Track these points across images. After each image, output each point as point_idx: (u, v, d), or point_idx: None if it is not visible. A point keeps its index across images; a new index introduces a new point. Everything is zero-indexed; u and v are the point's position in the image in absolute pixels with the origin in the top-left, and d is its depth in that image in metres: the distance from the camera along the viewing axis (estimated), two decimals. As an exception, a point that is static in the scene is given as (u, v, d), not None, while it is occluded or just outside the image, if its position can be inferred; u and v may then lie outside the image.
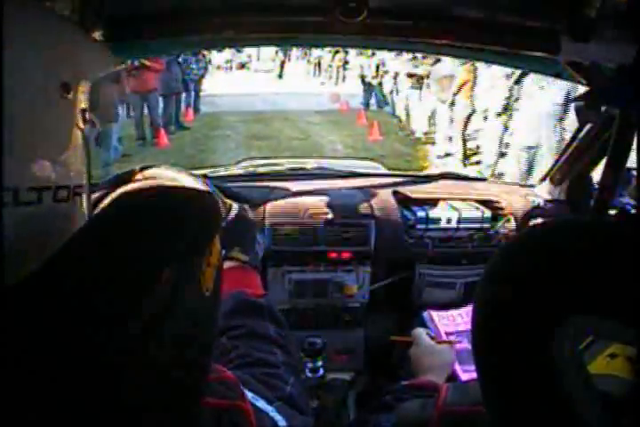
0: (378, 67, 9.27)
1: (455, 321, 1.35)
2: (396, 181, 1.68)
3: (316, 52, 15.57)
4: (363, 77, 10.01)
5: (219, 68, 16.82)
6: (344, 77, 14.05)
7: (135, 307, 0.30)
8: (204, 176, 1.40)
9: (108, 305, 0.29)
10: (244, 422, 0.44)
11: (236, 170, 1.91)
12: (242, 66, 18.99)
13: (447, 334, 1.29)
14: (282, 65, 16.64)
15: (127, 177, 0.91)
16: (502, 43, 0.92)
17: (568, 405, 0.32)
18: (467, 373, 1.14)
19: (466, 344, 1.16)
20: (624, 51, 0.77)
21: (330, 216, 1.40)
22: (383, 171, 2.14)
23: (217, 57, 16.78)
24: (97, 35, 0.81)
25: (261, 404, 0.49)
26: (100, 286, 0.30)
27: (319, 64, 15.86)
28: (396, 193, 1.54)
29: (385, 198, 1.50)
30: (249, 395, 0.48)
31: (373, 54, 9.36)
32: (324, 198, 1.46)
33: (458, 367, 1.11)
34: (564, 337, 0.32)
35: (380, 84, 9.44)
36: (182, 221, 0.36)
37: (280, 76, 16.17)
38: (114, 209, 0.37)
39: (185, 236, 0.35)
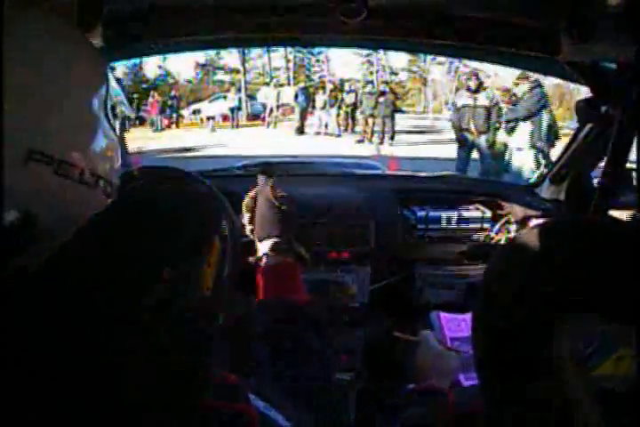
0: (490, 110, 4.77)
1: (460, 326, 1.34)
2: (397, 181, 1.68)
3: (351, 96, 10.86)
4: (462, 132, 4.99)
5: (225, 119, 13.18)
6: (393, 134, 9.51)
7: (135, 307, 0.30)
8: (203, 176, 1.40)
9: (108, 305, 0.29)
10: (240, 417, 0.44)
11: (236, 171, 1.91)
12: (255, 117, 14.01)
13: (452, 339, 1.29)
14: (303, 115, 11.35)
15: (127, 178, 0.91)
16: (502, 43, 0.92)
17: (568, 404, 0.32)
18: (469, 380, 1.13)
19: (470, 353, 1.14)
20: (624, 51, 0.77)
21: (330, 216, 1.40)
22: (384, 171, 2.14)
23: (216, 105, 13.27)
24: (96, 35, 0.81)
25: (273, 413, 0.49)
26: (100, 286, 0.30)
27: (353, 113, 10.96)
28: (396, 193, 1.54)
29: (385, 198, 1.50)
30: (260, 404, 0.48)
31: (479, 84, 4.89)
32: (325, 199, 1.46)
33: (462, 376, 1.11)
34: (563, 337, 0.32)
35: (493, 144, 4.85)
36: (182, 220, 0.36)
37: (300, 130, 11.23)
38: (114, 209, 0.37)
39: (185, 235, 0.35)
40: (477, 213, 1.51)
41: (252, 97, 14.81)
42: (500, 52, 1.02)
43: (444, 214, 1.49)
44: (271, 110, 12.91)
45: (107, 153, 0.42)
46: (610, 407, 0.31)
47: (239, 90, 13.86)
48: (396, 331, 1.20)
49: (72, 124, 0.38)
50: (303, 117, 11.49)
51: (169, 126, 13.12)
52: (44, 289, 0.30)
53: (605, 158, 1.17)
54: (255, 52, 17.31)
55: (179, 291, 0.32)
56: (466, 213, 1.50)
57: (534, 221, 1.50)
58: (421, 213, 1.49)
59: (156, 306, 0.30)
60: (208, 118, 13.46)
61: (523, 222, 1.51)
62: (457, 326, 1.33)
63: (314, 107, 11.50)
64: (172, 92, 13.49)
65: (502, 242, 1.50)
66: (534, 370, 0.33)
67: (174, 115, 13.09)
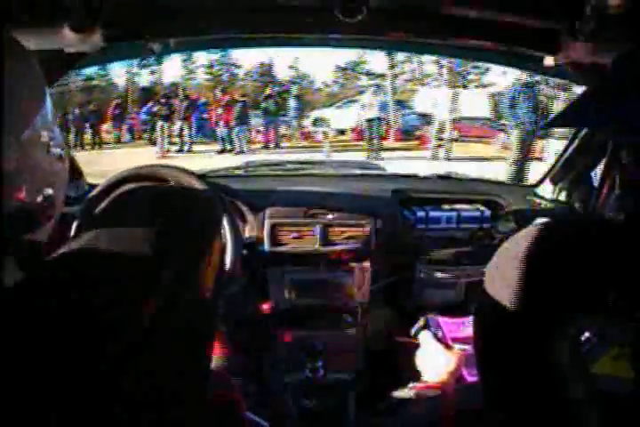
0: None
1: (460, 328, 1.34)
2: (397, 181, 1.68)
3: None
4: None
5: (359, 135, 8.00)
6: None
7: (136, 308, 0.30)
8: (204, 176, 1.40)
9: (108, 307, 0.29)
10: (238, 415, 0.44)
11: (236, 171, 1.91)
12: (406, 135, 8.42)
13: (453, 339, 1.29)
14: (523, 146, 5.01)
15: (128, 177, 0.91)
16: (502, 43, 0.92)
17: (569, 405, 0.32)
18: (473, 376, 1.14)
19: (472, 350, 1.14)
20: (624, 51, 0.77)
21: (330, 216, 1.40)
22: (384, 171, 2.14)
23: (349, 113, 8.22)
24: (96, 35, 0.81)
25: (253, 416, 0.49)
26: (100, 287, 0.30)
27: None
28: (396, 193, 1.54)
29: (385, 198, 1.50)
30: (253, 416, 0.49)
31: None
32: (325, 199, 1.46)
33: (465, 371, 1.11)
34: (564, 337, 0.32)
35: None
36: (182, 221, 0.36)
37: (520, 176, 4.59)
38: (114, 209, 0.37)
39: (185, 236, 0.35)
40: (477, 213, 1.51)
41: (402, 103, 9.06)
42: (500, 52, 1.02)
43: (444, 214, 1.49)
44: (441, 127, 6.99)
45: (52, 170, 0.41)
46: (609, 408, 0.31)
47: (380, 91, 8.11)
48: (395, 332, 1.20)
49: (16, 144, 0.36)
50: (525, 150, 5.06)
51: (266, 145, 8.36)
52: (45, 292, 0.29)
53: (605, 158, 1.17)
54: (402, 54, 12.63)
55: (179, 291, 0.32)
56: (466, 213, 1.50)
57: (534, 222, 1.50)
58: (421, 213, 1.49)
59: (156, 307, 0.30)
60: (340, 132, 8.81)
61: (523, 222, 1.51)
62: (456, 327, 1.33)
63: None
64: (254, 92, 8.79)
65: (502, 242, 1.50)
66: (535, 370, 0.33)
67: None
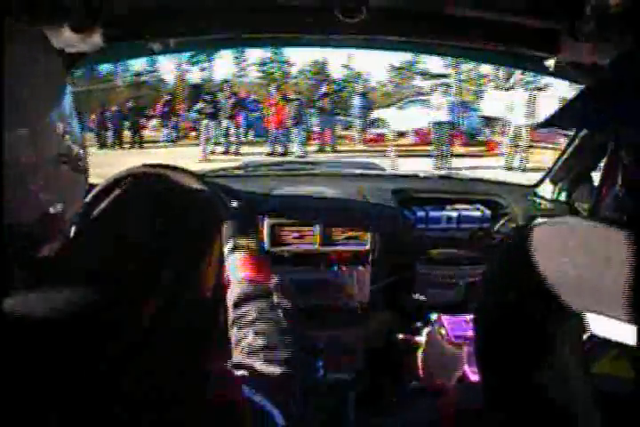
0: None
1: (464, 326, 1.34)
2: (397, 181, 1.68)
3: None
4: None
5: (424, 139, 6.99)
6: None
7: (136, 308, 0.30)
8: (204, 176, 1.40)
9: (108, 306, 0.29)
10: (238, 415, 0.44)
11: (236, 171, 1.91)
12: (470, 138, 7.57)
13: (456, 337, 1.29)
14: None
15: (128, 177, 0.91)
16: (502, 43, 0.92)
17: (569, 405, 0.32)
18: (476, 374, 1.13)
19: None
20: (624, 51, 0.77)
21: (330, 217, 1.40)
22: (383, 171, 2.14)
23: (410, 114, 7.28)
24: (96, 35, 0.81)
25: (258, 398, 0.49)
26: (100, 287, 0.30)
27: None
28: (396, 193, 1.54)
29: (385, 198, 1.50)
30: (246, 389, 0.48)
31: None
32: (324, 199, 1.46)
33: (468, 369, 1.11)
34: (564, 336, 0.32)
35: None
36: (182, 221, 0.36)
37: None
38: (113, 209, 0.37)
39: (185, 236, 0.35)
40: (477, 213, 1.51)
41: (466, 105, 8.24)
42: (499, 52, 1.02)
43: (444, 214, 1.49)
44: (518, 132, 6.13)
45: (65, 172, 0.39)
46: (609, 408, 0.31)
47: (445, 92, 7.60)
48: (395, 332, 1.20)
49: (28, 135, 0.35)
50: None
51: (322, 148, 7.32)
52: (44, 291, 0.29)
53: (605, 158, 1.17)
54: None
55: (179, 291, 0.32)
56: (466, 213, 1.50)
57: (534, 221, 1.50)
58: (421, 213, 1.49)
59: (156, 307, 0.30)
60: (400, 134, 7.90)
61: (523, 222, 1.51)
62: (459, 325, 1.33)
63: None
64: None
65: (502, 242, 1.50)
66: (535, 369, 0.33)
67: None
